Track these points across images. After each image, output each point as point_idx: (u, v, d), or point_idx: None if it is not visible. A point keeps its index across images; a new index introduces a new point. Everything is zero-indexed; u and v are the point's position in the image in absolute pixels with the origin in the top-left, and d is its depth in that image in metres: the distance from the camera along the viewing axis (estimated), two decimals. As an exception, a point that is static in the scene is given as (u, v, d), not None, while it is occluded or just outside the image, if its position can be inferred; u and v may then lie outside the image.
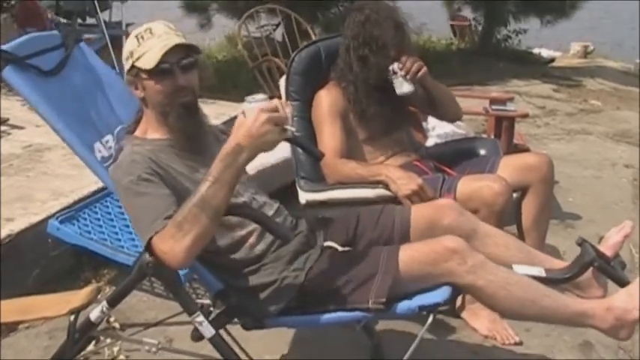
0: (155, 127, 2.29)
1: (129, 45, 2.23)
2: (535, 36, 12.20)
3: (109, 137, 2.48)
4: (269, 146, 1.98)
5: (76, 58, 2.62)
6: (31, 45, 2.44)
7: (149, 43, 2.19)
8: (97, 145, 2.42)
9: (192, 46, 2.25)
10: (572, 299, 2.34)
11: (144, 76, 2.20)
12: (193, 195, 1.98)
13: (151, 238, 2.00)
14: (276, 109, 1.98)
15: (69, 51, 2.58)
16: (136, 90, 2.25)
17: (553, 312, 2.22)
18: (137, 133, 2.32)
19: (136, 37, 2.22)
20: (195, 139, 2.29)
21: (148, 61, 2.17)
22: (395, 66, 2.97)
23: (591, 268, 2.38)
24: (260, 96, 2.07)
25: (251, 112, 1.97)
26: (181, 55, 2.20)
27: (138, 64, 2.20)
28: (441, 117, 3.42)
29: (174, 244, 1.96)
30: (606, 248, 2.45)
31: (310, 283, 2.24)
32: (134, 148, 2.22)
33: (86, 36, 7.49)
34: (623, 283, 2.37)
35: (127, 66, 2.24)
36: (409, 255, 2.20)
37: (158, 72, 2.18)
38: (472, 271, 2.15)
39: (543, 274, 2.35)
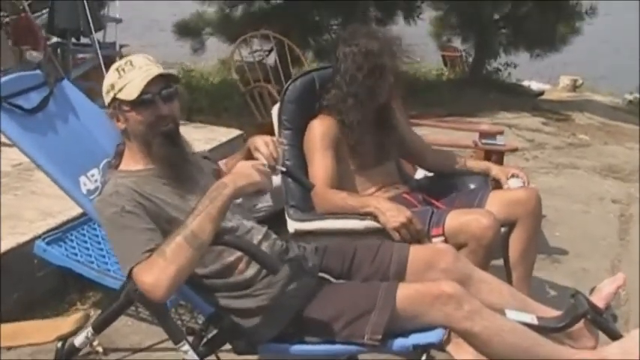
0: (138, 158, 2.31)
1: (109, 78, 2.27)
2: (525, 68, 12.28)
3: (94, 171, 2.52)
4: (253, 186, 2.10)
5: (59, 95, 2.67)
6: (13, 85, 2.49)
7: (130, 75, 2.24)
8: (83, 179, 2.46)
9: (172, 75, 2.30)
10: (565, 349, 2.36)
11: (126, 107, 2.24)
12: (180, 227, 2.02)
13: (131, 269, 2.02)
14: (268, 174, 2.16)
15: (51, 89, 2.62)
16: (117, 122, 2.29)
17: None
18: (121, 166, 2.35)
19: (117, 69, 2.26)
20: (178, 167, 2.31)
21: (131, 93, 2.21)
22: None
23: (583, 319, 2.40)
24: None
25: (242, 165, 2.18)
26: (162, 85, 2.24)
27: (120, 96, 2.23)
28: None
29: (159, 274, 1.98)
30: (598, 299, 2.48)
31: (306, 311, 2.26)
32: (118, 181, 2.24)
33: (79, 56, 7.54)
34: (615, 336, 2.41)
35: (107, 99, 2.28)
36: (407, 294, 2.22)
37: (140, 103, 2.21)
38: (468, 317, 2.18)
39: (535, 321, 2.38)
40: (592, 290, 2.59)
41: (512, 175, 3.24)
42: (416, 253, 2.50)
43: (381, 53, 3.02)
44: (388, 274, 2.44)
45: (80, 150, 2.58)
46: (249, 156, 2.48)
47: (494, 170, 3.30)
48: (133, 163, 2.32)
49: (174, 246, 1.99)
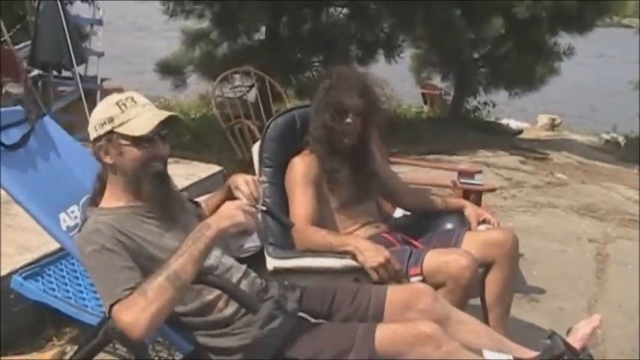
0: (120, 194, 2.32)
1: (107, 111, 2.26)
2: (504, 106, 12.41)
3: (74, 207, 2.53)
4: (237, 227, 2.09)
5: (40, 131, 2.69)
6: (-6, 120, 2.50)
7: (134, 110, 2.25)
8: (62, 216, 2.47)
9: (175, 117, 2.33)
10: None
11: (124, 142, 2.24)
12: (162, 267, 2.02)
13: (112, 306, 2.02)
14: (252, 213, 2.14)
15: (32, 125, 2.63)
16: (105, 155, 2.27)
17: None
18: (101, 204, 2.35)
19: (117, 104, 2.26)
20: (164, 206, 2.33)
21: (137, 129, 2.21)
22: None
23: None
24: None
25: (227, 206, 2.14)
26: (162, 126, 2.26)
27: (120, 130, 2.23)
28: None
29: (138, 313, 1.98)
30: (575, 340, 2.51)
31: (285, 351, 2.26)
32: (98, 218, 2.24)
33: (60, 88, 7.54)
34: None
35: (100, 131, 2.26)
36: (386, 335, 2.23)
37: (144, 140, 2.22)
38: (446, 358, 2.20)
39: None
40: (569, 331, 2.61)
41: (484, 221, 3.27)
42: (394, 294, 2.51)
43: (341, 90, 3.06)
44: (367, 316, 2.45)
45: (60, 187, 2.59)
46: (230, 194, 2.53)
47: (468, 210, 3.33)
48: (114, 199, 2.32)
49: (155, 286, 1.99)
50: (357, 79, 3.13)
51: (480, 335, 2.49)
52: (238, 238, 2.23)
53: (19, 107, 2.71)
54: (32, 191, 2.42)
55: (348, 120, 3.06)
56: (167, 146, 2.31)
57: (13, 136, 2.54)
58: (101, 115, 2.27)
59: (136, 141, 2.23)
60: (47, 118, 2.78)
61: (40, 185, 2.50)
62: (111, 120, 2.25)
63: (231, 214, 2.10)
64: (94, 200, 2.38)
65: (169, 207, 2.35)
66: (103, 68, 7.80)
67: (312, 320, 2.42)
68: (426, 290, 2.53)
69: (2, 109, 2.67)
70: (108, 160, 2.28)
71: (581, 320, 2.64)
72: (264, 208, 2.35)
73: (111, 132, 2.25)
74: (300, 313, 2.44)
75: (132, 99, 2.28)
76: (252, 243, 2.30)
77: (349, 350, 2.19)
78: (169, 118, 2.28)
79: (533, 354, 2.48)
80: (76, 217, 2.48)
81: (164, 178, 2.32)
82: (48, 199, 2.47)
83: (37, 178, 2.53)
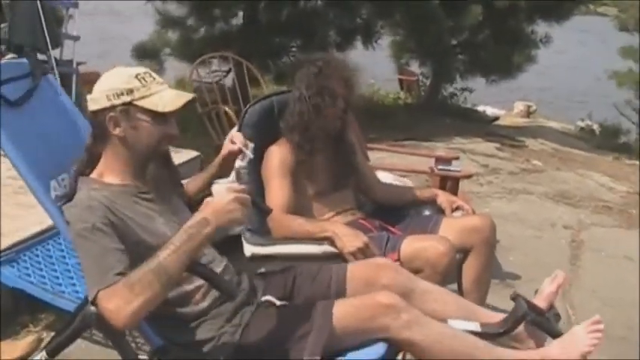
0: (116, 170, 2.27)
1: (126, 82, 2.19)
2: (480, 93, 12.46)
3: (65, 175, 2.45)
4: (233, 223, 2.05)
5: (42, 90, 2.60)
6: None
7: (155, 86, 2.21)
8: (53, 183, 2.40)
9: (191, 100, 2.28)
10: (507, 350, 2.39)
11: (142, 116, 2.19)
12: (151, 259, 1.98)
13: (98, 292, 1.98)
14: (243, 191, 2.08)
15: (36, 82, 2.55)
16: (115, 127, 2.20)
17: None
18: (93, 175, 2.29)
19: (136, 77, 2.20)
20: (162, 188, 2.31)
21: (162, 104, 2.18)
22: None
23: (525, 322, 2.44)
24: (227, 179, 2.21)
25: (219, 193, 2.07)
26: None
27: (141, 103, 2.18)
28: None
29: (122, 305, 1.95)
30: (540, 300, 2.53)
31: (246, 340, 2.24)
32: (91, 193, 2.18)
33: (35, 72, 7.45)
34: (555, 334, 2.45)
35: (114, 101, 2.18)
36: (343, 310, 2.22)
37: (162, 117, 2.20)
38: (407, 326, 2.18)
39: (479, 328, 2.41)
40: (536, 292, 2.63)
41: (458, 208, 3.29)
42: (355, 270, 2.50)
43: (330, 76, 3.06)
44: (329, 294, 2.43)
45: (55, 151, 2.51)
46: (215, 173, 2.65)
47: (440, 198, 3.35)
48: (109, 174, 2.27)
49: (143, 280, 1.95)
50: (344, 67, 3.13)
51: (447, 303, 2.48)
52: (227, 228, 2.22)
53: (23, 60, 2.62)
54: (28, 152, 2.34)
55: (331, 102, 3.05)
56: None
57: (16, 90, 2.45)
58: (119, 86, 2.19)
59: (157, 117, 2.19)
60: (50, 77, 2.69)
61: (37, 148, 2.42)
62: (130, 92, 2.18)
63: (229, 208, 2.02)
64: (82, 171, 2.31)
65: (167, 190, 2.34)
66: (79, 52, 7.70)
67: (277, 302, 2.39)
68: (387, 264, 2.53)
69: (8, 61, 2.60)
70: (117, 132, 2.21)
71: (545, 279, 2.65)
72: (251, 155, 2.59)
73: (129, 104, 2.19)
74: (265, 297, 2.41)
75: (150, 74, 2.24)
76: (237, 229, 2.35)
77: (308, 333, 2.17)
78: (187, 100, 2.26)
79: (501, 317, 2.49)
80: (65, 186, 2.40)
81: (169, 161, 2.32)
82: (42, 164, 2.39)
83: (34, 140, 2.44)
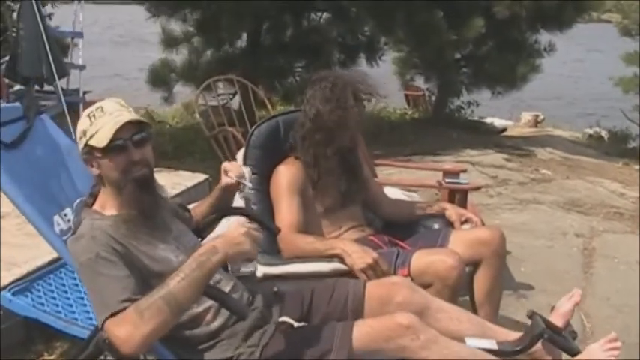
0: (112, 203, 2.31)
1: (81, 124, 2.27)
2: (487, 105, 12.47)
3: (68, 210, 2.50)
4: (243, 255, 2.10)
5: (38, 130, 2.65)
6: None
7: (101, 121, 2.24)
8: (56, 218, 2.44)
9: (143, 121, 2.30)
10: None
11: (98, 154, 2.24)
12: (161, 286, 2.01)
13: (106, 319, 2.01)
14: (254, 229, 2.13)
15: (30, 123, 2.60)
16: (91, 167, 2.28)
17: None
18: (96, 207, 2.33)
19: (88, 116, 2.26)
20: (151, 214, 2.31)
21: (101, 139, 2.20)
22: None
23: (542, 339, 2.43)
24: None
25: (229, 226, 2.18)
26: (134, 131, 2.25)
27: (91, 142, 2.23)
28: None
29: (133, 331, 1.97)
30: (556, 317, 2.52)
31: (267, 358, 2.25)
32: (94, 223, 2.23)
33: (42, 102, 7.51)
34: (573, 352, 2.45)
35: (80, 145, 2.27)
36: (363, 331, 2.23)
37: (112, 149, 2.21)
38: (425, 347, 2.20)
39: (495, 346, 2.41)
40: (551, 309, 2.62)
41: (467, 220, 3.29)
42: (372, 288, 2.52)
43: (346, 87, 3.08)
44: (346, 312, 2.45)
45: (56, 188, 2.57)
46: (220, 199, 2.65)
47: (449, 211, 3.35)
48: (108, 207, 2.31)
49: (153, 307, 1.98)
50: (355, 77, 3.19)
51: (462, 321, 2.50)
52: (239, 263, 2.23)
53: (17, 104, 2.68)
54: (29, 192, 2.40)
55: (348, 114, 3.06)
56: (145, 150, 2.28)
57: (10, 133, 2.50)
58: (78, 129, 2.28)
59: (107, 151, 2.22)
60: (45, 116, 2.75)
61: (37, 186, 2.48)
62: (84, 134, 2.26)
63: (238, 240, 2.07)
64: (89, 202, 2.37)
65: (158, 215, 2.34)
66: (85, 81, 7.77)
67: (295, 324, 2.41)
68: (403, 282, 2.55)
69: (1, 105, 2.65)
70: (94, 171, 2.28)
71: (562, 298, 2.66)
72: (250, 185, 2.54)
73: (86, 145, 2.26)
74: (282, 318, 2.43)
75: (101, 109, 2.27)
76: (250, 268, 2.34)
77: (329, 352, 2.20)
78: (140, 122, 2.28)
79: (517, 335, 2.49)
80: (69, 221, 2.46)
81: (148, 184, 2.30)
82: (44, 201, 2.45)
83: (34, 179, 2.50)
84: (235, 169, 2.66)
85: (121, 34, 22.41)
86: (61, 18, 9.60)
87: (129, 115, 2.26)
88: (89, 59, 8.06)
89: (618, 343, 2.38)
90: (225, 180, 2.65)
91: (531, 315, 2.48)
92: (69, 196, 2.55)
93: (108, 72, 16.60)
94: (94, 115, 2.26)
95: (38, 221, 2.37)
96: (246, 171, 2.67)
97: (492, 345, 2.40)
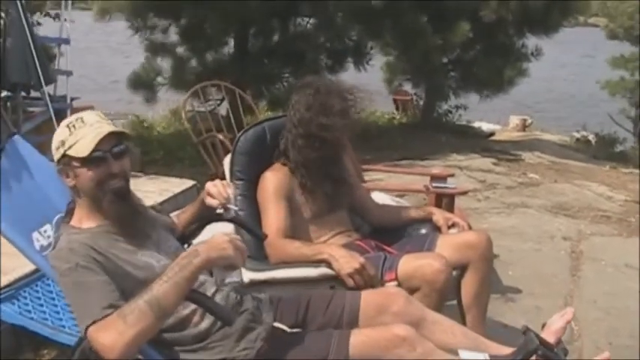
0: (89, 215, 2.32)
1: (59, 135, 2.28)
2: (475, 108, 12.51)
3: (47, 227, 2.52)
4: (225, 260, 2.09)
5: (10, 151, 2.68)
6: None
7: (81, 131, 2.25)
8: (35, 235, 2.46)
9: (124, 133, 2.33)
10: None
11: (76, 164, 2.24)
12: (144, 292, 2.02)
13: (87, 327, 2.01)
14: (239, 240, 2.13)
15: (2, 145, 2.63)
16: (66, 178, 2.28)
17: None
18: (72, 222, 2.34)
19: (67, 126, 2.27)
20: (129, 223, 2.32)
21: (82, 149, 2.22)
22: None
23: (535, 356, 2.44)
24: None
25: (214, 233, 2.16)
26: (114, 143, 2.26)
27: (70, 152, 2.24)
28: None
29: (117, 337, 1.97)
30: (549, 334, 2.53)
31: None
32: (71, 237, 2.24)
33: (30, 109, 7.49)
34: None
35: (57, 155, 2.28)
36: (360, 340, 2.25)
37: (91, 160, 2.23)
38: (421, 359, 2.21)
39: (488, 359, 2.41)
40: (543, 326, 2.63)
41: (454, 225, 3.30)
42: (368, 298, 2.53)
43: (329, 93, 3.08)
44: (342, 322, 2.47)
45: (32, 206, 2.58)
46: (204, 207, 2.59)
47: (436, 216, 3.35)
48: (85, 219, 2.32)
49: (136, 311, 1.99)
50: (339, 84, 3.20)
51: (456, 335, 2.51)
52: (223, 272, 2.22)
53: None
54: (4, 212, 2.41)
55: (331, 120, 3.05)
56: (123, 162, 2.29)
57: None
58: (55, 139, 2.28)
59: (86, 161, 2.23)
60: (17, 138, 2.78)
61: (12, 205, 2.49)
62: (62, 144, 2.26)
63: (221, 246, 2.08)
64: (66, 219, 2.38)
65: (136, 224, 2.34)
66: (73, 87, 7.75)
67: (288, 330, 2.43)
68: (399, 293, 2.56)
69: None
70: (69, 182, 2.29)
71: (554, 315, 2.67)
72: (235, 208, 2.37)
73: (64, 155, 2.26)
74: (276, 324, 2.44)
75: (81, 120, 2.28)
76: (234, 278, 2.31)
77: (324, 359, 2.21)
78: (123, 134, 2.30)
79: (509, 351, 2.50)
80: (49, 237, 2.47)
81: (125, 195, 2.31)
82: (20, 219, 2.47)
83: (8, 199, 2.52)
84: (220, 193, 2.55)
85: (118, 42, 22.43)
86: (47, 26, 9.58)
87: (109, 127, 2.27)
88: (83, 66, 8.04)
89: None
90: (209, 201, 2.59)
91: (525, 331, 2.48)
92: (47, 213, 2.57)
93: (103, 79, 16.58)
94: (73, 126, 2.26)
95: (15, 239, 2.40)
96: (231, 192, 2.57)
97: (485, 358, 2.41)
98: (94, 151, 2.21)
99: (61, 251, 2.20)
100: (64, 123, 2.31)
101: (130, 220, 2.31)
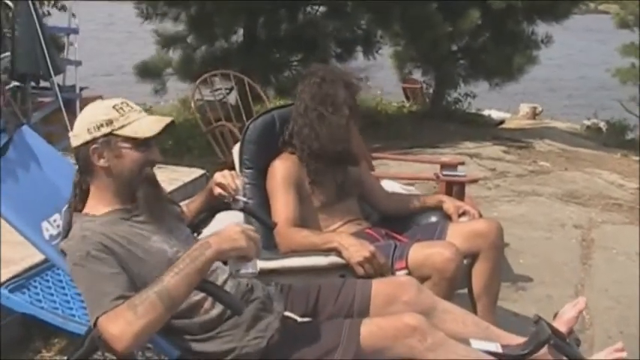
0: (106, 200, 2.30)
1: (102, 114, 2.26)
2: (485, 97, 12.47)
3: (56, 216, 2.53)
4: (237, 251, 2.09)
5: (19, 141, 2.69)
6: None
7: (132, 114, 2.27)
8: (45, 224, 2.47)
9: (173, 123, 2.37)
10: None
11: (125, 144, 2.25)
12: (154, 282, 2.02)
13: (98, 317, 2.01)
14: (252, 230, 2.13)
15: (10, 135, 2.63)
16: (99, 159, 2.25)
17: None
18: (86, 210, 2.33)
19: (114, 107, 2.27)
20: (154, 209, 2.32)
21: (141, 131, 2.24)
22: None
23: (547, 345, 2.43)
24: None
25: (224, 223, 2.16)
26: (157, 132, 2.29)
27: (121, 132, 2.23)
28: None
29: (126, 327, 1.97)
30: (561, 324, 2.52)
31: (272, 352, 2.25)
32: (84, 225, 2.23)
33: (39, 99, 7.50)
34: None
35: (95, 133, 2.24)
36: (371, 330, 2.24)
37: (144, 143, 2.25)
38: (432, 349, 2.20)
39: (500, 349, 2.40)
40: (555, 315, 2.62)
41: (464, 213, 3.28)
42: (378, 287, 2.52)
43: (334, 83, 3.07)
44: (352, 311, 2.46)
45: (41, 196, 2.59)
46: (211, 196, 2.59)
47: (446, 204, 3.34)
48: (102, 205, 2.31)
49: (146, 302, 1.98)
50: (346, 73, 3.18)
51: (467, 324, 2.50)
52: (237, 263, 2.21)
53: None
54: (12, 202, 2.42)
55: (336, 110, 3.06)
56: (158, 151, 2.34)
57: None
58: (98, 118, 2.25)
59: (138, 144, 2.25)
60: (26, 128, 2.79)
61: (20, 195, 2.50)
62: (110, 122, 2.24)
63: (233, 237, 2.08)
64: (75, 207, 2.36)
65: (159, 210, 2.35)
66: (82, 77, 7.75)
67: (298, 319, 2.42)
68: (410, 282, 2.54)
69: None
70: (102, 163, 2.26)
71: (566, 305, 2.66)
72: (244, 199, 2.37)
73: (110, 134, 2.24)
74: (286, 313, 2.44)
75: (127, 104, 2.31)
76: (249, 269, 2.29)
77: (335, 348, 2.20)
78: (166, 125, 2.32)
79: (521, 340, 2.49)
80: (58, 226, 2.47)
81: (156, 182, 2.34)
82: (28, 209, 2.47)
83: (17, 188, 2.52)
84: (229, 184, 2.56)
85: (121, 31, 22.42)
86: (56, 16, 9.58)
87: (164, 117, 2.36)
88: (88, 55, 8.04)
89: (624, 354, 2.38)
90: (218, 192, 2.60)
91: (537, 320, 2.47)
92: (56, 202, 2.56)
93: (109, 69, 16.59)
94: (121, 108, 2.27)
95: (24, 229, 2.41)
96: (240, 183, 2.56)
97: (497, 348, 2.40)
98: (155, 134, 2.25)
99: (72, 240, 2.19)
100: (105, 104, 2.30)
101: (156, 206, 2.32)
